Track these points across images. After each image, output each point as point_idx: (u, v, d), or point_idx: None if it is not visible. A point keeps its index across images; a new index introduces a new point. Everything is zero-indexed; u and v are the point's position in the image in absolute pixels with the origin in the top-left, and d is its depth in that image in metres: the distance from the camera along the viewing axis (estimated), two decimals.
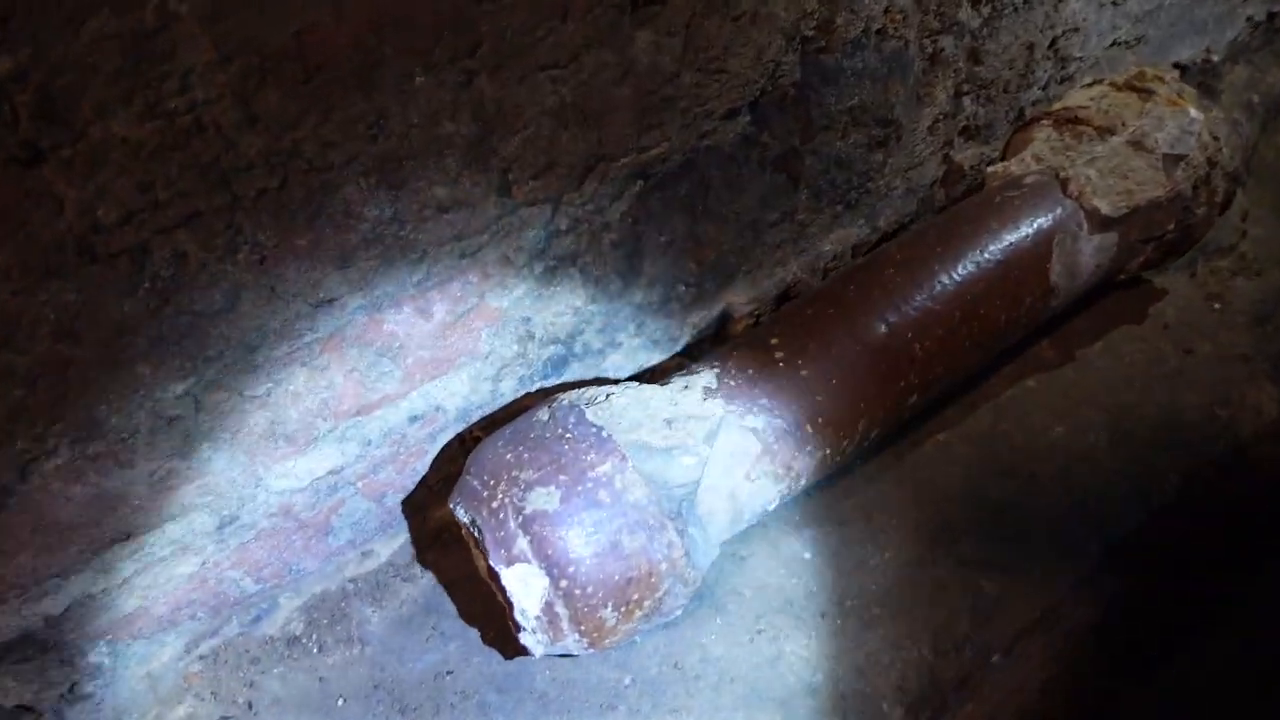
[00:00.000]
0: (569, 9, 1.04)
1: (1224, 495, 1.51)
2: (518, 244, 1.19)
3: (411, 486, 1.32)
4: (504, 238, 1.17)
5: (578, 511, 1.06)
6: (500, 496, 1.09)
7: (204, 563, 1.16)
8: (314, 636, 1.30)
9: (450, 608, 1.33)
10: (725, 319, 1.54)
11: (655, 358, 1.48)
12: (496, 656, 1.26)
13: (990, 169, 1.56)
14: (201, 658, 1.24)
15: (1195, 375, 1.60)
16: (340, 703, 1.23)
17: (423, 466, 1.31)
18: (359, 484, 1.25)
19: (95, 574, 1.06)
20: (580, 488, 1.07)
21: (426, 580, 1.36)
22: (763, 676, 1.23)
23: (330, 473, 1.20)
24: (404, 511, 1.34)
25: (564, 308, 1.30)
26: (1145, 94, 1.50)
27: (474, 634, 1.29)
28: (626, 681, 1.23)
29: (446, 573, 1.36)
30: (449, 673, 1.25)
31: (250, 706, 1.23)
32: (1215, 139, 1.48)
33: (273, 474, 1.15)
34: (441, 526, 1.38)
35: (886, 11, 1.38)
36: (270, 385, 1.07)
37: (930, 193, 1.74)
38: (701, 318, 1.50)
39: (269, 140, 0.90)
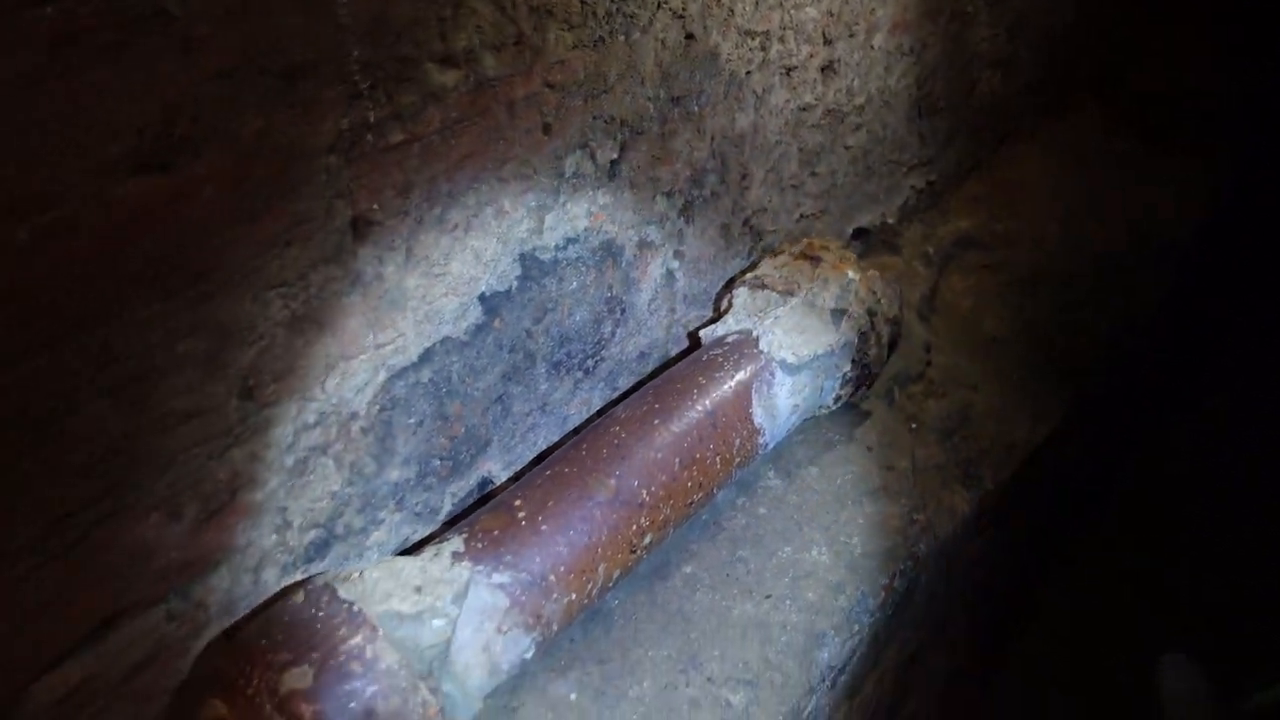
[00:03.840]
0: (291, 239, 1.21)
1: (927, 588, 1.76)
2: (265, 441, 1.30)
3: (173, 686, 1.33)
4: (251, 437, 1.28)
5: (330, 685, 1.14)
6: (256, 682, 1.15)
7: None
8: None
9: None
10: (486, 485, 1.68)
11: (420, 529, 1.59)
12: None
13: (702, 330, 1.83)
14: None
15: (897, 488, 1.88)
16: None
17: (185, 665, 1.34)
18: (116, 690, 1.26)
19: None
20: (332, 662, 1.15)
21: None
22: None
23: (84, 681, 1.22)
24: (168, 715, 1.35)
25: (320, 494, 1.40)
26: (815, 261, 1.82)
27: None
28: None
29: None
30: None
31: None
32: (874, 293, 1.81)
33: None
34: None
35: (590, 213, 1.64)
36: None
37: (665, 351, 1.99)
38: (460, 487, 1.63)
39: None
